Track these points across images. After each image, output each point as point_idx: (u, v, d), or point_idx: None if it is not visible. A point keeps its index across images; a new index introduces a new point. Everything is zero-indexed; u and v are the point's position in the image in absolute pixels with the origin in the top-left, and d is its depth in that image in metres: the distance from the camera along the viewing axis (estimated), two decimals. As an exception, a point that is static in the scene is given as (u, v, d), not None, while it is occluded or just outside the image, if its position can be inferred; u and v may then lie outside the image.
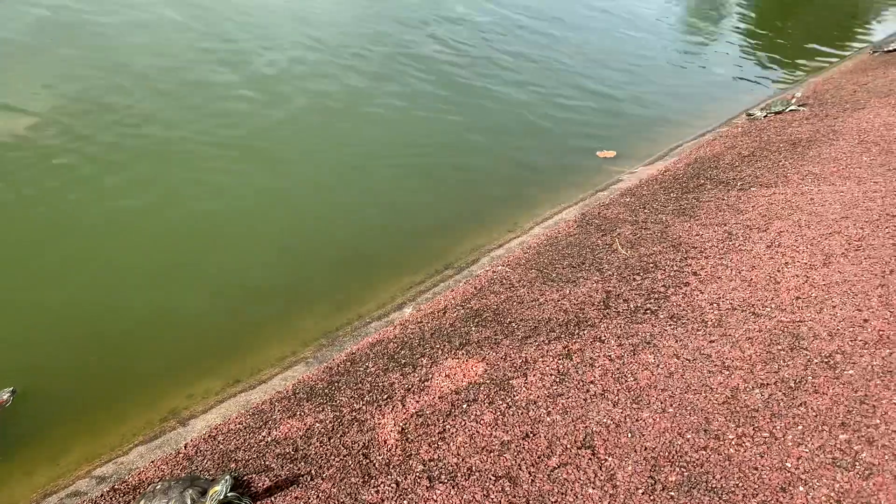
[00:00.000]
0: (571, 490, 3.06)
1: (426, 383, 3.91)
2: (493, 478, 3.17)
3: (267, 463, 3.43)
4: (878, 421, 3.16)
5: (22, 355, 4.41)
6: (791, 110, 7.95)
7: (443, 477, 3.21)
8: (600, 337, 4.09)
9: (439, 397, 3.76)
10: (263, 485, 3.30)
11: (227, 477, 3.16)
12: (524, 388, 3.74)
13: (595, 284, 4.72)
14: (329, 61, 8.36)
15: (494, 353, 4.07)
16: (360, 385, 3.98)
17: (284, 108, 7.38)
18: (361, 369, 4.13)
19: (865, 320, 3.84)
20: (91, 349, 4.49)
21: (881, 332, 3.71)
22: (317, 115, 7.36)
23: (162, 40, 8.23)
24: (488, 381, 3.84)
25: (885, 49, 10.32)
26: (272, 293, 5.20)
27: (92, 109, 6.75)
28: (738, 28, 13.02)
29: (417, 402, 3.75)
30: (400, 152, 7.06)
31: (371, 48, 8.88)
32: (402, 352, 4.25)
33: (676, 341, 3.94)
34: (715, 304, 4.25)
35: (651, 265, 4.88)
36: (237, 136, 6.78)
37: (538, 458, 3.25)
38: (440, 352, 4.19)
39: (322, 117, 7.37)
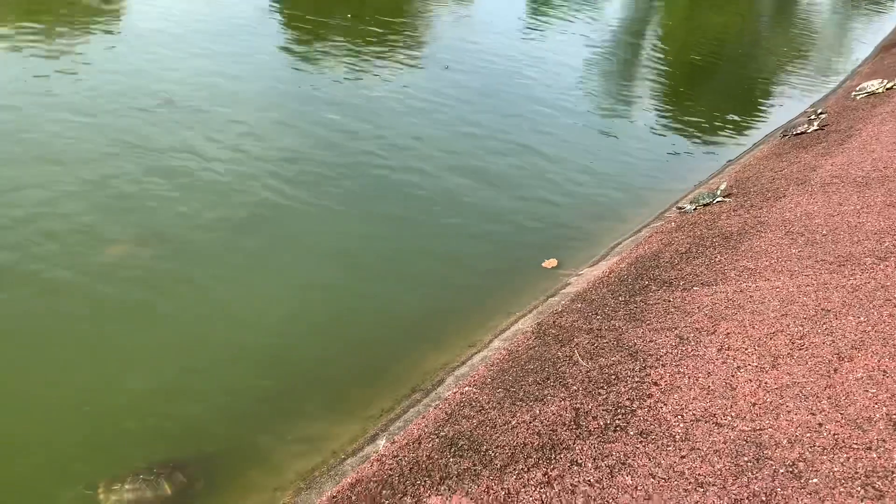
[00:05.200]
0: None
1: (414, 526, 3.96)
2: None
3: None
4: (847, 530, 3.37)
5: None
6: (718, 202, 8.48)
7: None
8: (577, 460, 4.23)
9: (429, 541, 3.81)
10: None
11: None
12: (511, 524, 3.83)
13: (563, 402, 4.89)
14: (248, 172, 8.56)
15: (476, 487, 4.16)
16: (347, 534, 3.99)
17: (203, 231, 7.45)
18: (346, 515, 4.15)
19: (820, 424, 4.10)
20: None
21: (836, 436, 3.96)
22: (239, 236, 7.47)
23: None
24: (475, 519, 3.91)
25: (794, 132, 11.14)
26: (236, 437, 5.18)
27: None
28: (653, 105, 13.83)
29: (408, 548, 3.79)
30: (340, 272, 7.19)
31: (292, 158, 9.12)
32: (384, 492, 4.29)
33: (650, 459, 4.11)
34: (679, 417, 4.47)
35: (613, 377, 5.09)
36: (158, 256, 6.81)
37: None
38: (422, 489, 4.25)
39: (244, 236, 7.47)
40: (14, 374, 5.40)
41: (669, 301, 6.14)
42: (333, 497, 4.34)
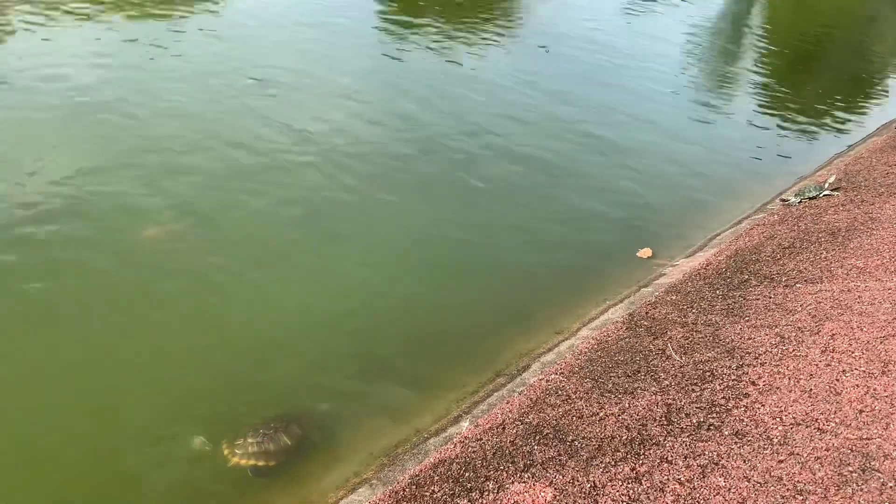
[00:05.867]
0: None
1: (496, 511, 3.92)
2: None
3: None
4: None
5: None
6: (825, 195, 8.04)
7: None
8: (667, 457, 4.10)
9: (511, 528, 3.78)
10: None
11: None
12: (596, 517, 3.75)
13: (654, 396, 4.75)
14: (351, 152, 8.63)
15: (561, 477, 4.08)
16: (429, 514, 4.00)
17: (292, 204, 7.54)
18: (427, 495, 4.15)
19: (936, 438, 3.84)
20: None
21: (954, 452, 3.70)
22: (330, 211, 7.53)
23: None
24: (559, 509, 3.85)
25: (912, 125, 10.45)
26: (323, 408, 5.25)
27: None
28: (757, 91, 13.25)
29: (490, 533, 3.76)
30: (431, 252, 7.19)
31: (383, 139, 9.16)
32: (467, 474, 4.28)
33: (745, 462, 3.94)
34: (778, 419, 4.26)
35: (708, 374, 4.90)
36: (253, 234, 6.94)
37: None
38: (505, 474, 4.21)
39: (337, 211, 7.53)
40: (134, 337, 5.63)
41: (770, 297, 5.87)
42: (416, 475, 4.35)
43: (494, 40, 13.87)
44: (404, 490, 4.24)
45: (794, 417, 4.25)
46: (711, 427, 4.30)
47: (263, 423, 4.93)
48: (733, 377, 4.78)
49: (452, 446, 4.63)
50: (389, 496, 4.22)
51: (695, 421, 4.40)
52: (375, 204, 7.78)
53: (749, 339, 5.26)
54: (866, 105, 13.41)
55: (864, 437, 3.97)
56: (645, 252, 7.52)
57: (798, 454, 3.92)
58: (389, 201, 7.86)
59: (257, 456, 4.68)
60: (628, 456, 4.17)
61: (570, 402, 4.90)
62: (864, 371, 4.56)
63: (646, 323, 5.88)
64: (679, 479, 3.90)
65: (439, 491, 4.16)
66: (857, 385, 4.43)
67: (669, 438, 4.27)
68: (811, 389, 4.48)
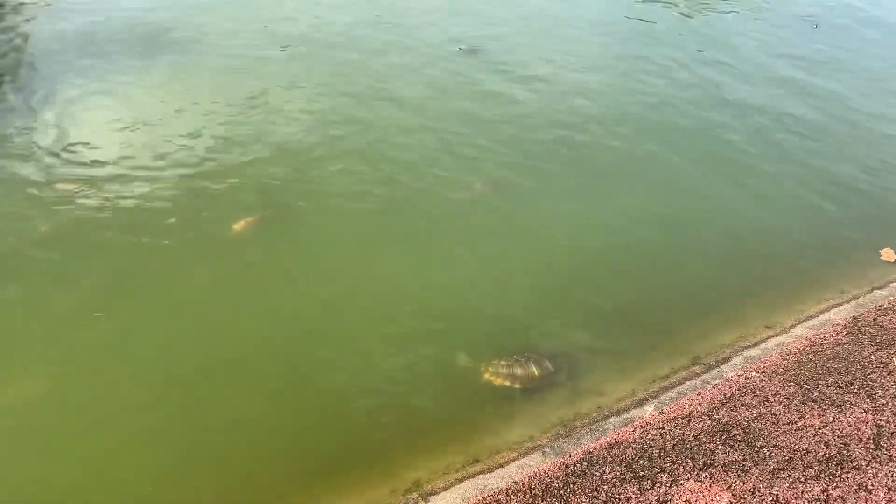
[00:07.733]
0: None
1: (664, 506, 3.81)
2: None
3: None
4: None
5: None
6: None
7: None
8: (866, 485, 3.72)
9: (677, 526, 3.65)
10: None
11: None
12: (772, 534, 3.51)
13: (864, 414, 4.30)
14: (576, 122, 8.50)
15: (741, 484, 3.86)
16: (595, 494, 3.97)
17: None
18: (598, 474, 4.12)
19: None
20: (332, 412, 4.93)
21: None
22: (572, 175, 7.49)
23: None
24: (732, 517, 3.66)
25: None
26: (580, 355, 5.45)
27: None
28: None
29: (654, 526, 3.67)
30: (651, 230, 6.92)
31: (629, 109, 8.87)
32: (641, 461, 4.18)
33: (963, 509, 3.47)
34: None
35: (936, 399, 4.34)
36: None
37: None
38: (681, 469, 4.06)
39: (575, 180, 7.48)
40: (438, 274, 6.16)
41: None
42: (589, 452, 4.33)
43: (761, 14, 12.87)
44: (576, 465, 4.25)
45: None
46: (929, 461, 3.82)
47: (521, 352, 5.38)
48: (968, 409, 4.19)
49: (632, 430, 4.53)
50: (559, 468, 4.24)
51: (909, 451, 3.93)
52: (622, 167, 7.70)
53: None
54: None
55: None
56: (888, 254, 6.67)
57: None
58: (622, 168, 7.75)
59: (503, 377, 5.17)
60: (821, 475, 3.84)
61: (768, 404, 4.58)
62: None
63: (871, 330, 5.29)
64: (877, 512, 3.54)
65: (610, 472, 4.12)
66: None
67: (874, 465, 3.86)
68: None
